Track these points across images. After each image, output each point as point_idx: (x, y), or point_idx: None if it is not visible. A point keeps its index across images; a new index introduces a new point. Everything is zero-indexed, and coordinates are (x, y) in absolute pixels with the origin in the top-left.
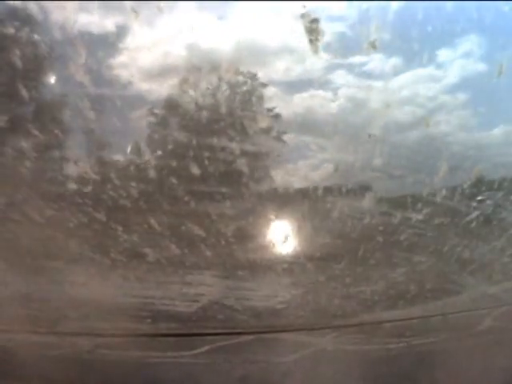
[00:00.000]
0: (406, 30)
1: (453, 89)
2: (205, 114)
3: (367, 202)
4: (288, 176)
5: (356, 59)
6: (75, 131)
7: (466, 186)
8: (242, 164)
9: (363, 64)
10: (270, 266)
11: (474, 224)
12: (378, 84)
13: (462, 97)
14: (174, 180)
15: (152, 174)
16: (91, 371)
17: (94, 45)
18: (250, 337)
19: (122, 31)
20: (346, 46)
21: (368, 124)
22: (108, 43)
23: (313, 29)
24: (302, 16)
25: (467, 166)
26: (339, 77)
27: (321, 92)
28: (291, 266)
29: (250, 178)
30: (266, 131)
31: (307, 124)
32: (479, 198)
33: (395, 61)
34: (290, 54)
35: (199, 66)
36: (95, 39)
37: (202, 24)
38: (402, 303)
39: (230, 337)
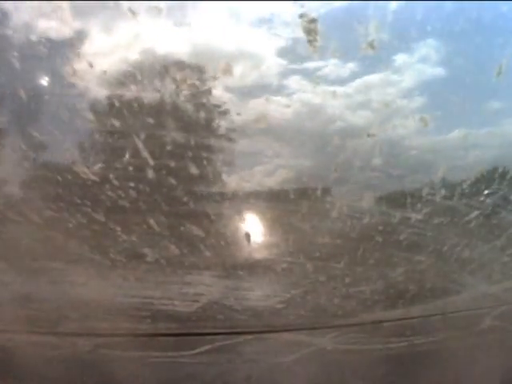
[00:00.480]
0: (363, 35)
1: (409, 93)
2: (159, 119)
3: (323, 206)
4: (243, 182)
5: (312, 64)
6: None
7: (424, 190)
8: (193, 169)
9: (319, 69)
10: (269, 266)
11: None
12: (334, 89)
13: (418, 101)
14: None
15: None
16: (91, 371)
17: (52, 50)
18: (250, 337)
19: (79, 37)
20: (302, 51)
21: (323, 129)
22: (65, 48)
23: (311, 29)
24: (301, 16)
25: (425, 170)
26: (294, 82)
27: (276, 97)
28: (291, 265)
29: (203, 183)
30: (221, 136)
31: (262, 129)
32: (437, 200)
33: (351, 66)
34: (245, 59)
35: (156, 72)
36: (53, 44)
37: (159, 29)
38: (402, 303)
39: (230, 337)
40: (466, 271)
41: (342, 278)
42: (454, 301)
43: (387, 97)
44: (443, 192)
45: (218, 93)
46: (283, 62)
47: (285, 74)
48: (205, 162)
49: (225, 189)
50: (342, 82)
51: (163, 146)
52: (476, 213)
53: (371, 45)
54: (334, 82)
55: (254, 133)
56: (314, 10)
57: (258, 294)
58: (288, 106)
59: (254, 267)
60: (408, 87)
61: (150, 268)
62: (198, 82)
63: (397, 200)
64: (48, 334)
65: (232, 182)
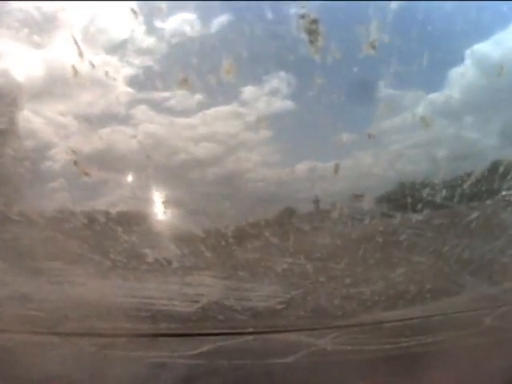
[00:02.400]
0: (214, 67)
1: (256, 126)
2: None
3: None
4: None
5: (160, 94)
6: None
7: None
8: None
9: (167, 99)
10: (269, 266)
11: None
12: (180, 120)
13: (264, 133)
14: None
15: None
16: (91, 371)
17: None
18: (250, 337)
19: None
20: (152, 81)
21: (167, 161)
22: None
23: (312, 30)
24: (302, 16)
25: (270, 203)
26: (141, 112)
27: (122, 127)
28: (291, 266)
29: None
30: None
31: (107, 160)
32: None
33: (199, 97)
34: (95, 86)
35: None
36: None
37: (16, 52)
38: (402, 303)
39: (229, 337)
40: (467, 272)
41: (343, 279)
42: (454, 301)
43: (233, 129)
44: (290, 221)
45: (65, 121)
46: (131, 90)
47: (132, 103)
48: None
49: None
50: (188, 113)
51: None
52: None
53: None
54: (180, 113)
55: (100, 162)
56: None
57: (259, 294)
58: (134, 137)
59: (254, 268)
60: (255, 119)
61: (150, 268)
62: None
63: (244, 230)
64: (48, 334)
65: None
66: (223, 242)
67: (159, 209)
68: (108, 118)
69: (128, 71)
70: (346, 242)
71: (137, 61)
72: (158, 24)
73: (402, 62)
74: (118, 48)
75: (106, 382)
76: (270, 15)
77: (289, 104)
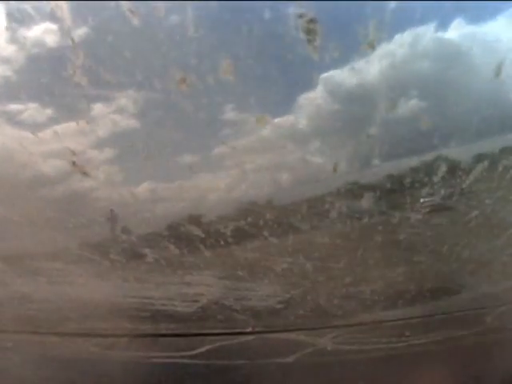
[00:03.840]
0: (67, 81)
1: (101, 144)
2: None
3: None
4: None
5: (14, 107)
6: None
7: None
8: None
9: (20, 112)
10: (269, 266)
11: None
12: (27, 134)
13: (110, 152)
14: None
15: None
16: (91, 371)
17: None
18: (250, 337)
19: None
20: (8, 92)
21: (14, 177)
22: None
23: (310, 29)
24: (300, 16)
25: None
26: None
27: None
28: (291, 265)
29: None
30: None
31: None
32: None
33: (49, 112)
34: None
35: None
36: None
37: None
38: (402, 303)
39: (229, 337)
40: (467, 271)
41: (342, 279)
42: (453, 301)
43: (79, 146)
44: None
45: None
46: None
47: None
48: None
49: None
50: (37, 127)
51: None
52: None
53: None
54: (30, 127)
55: None
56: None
57: (258, 294)
58: None
59: (253, 267)
60: (101, 137)
61: (150, 268)
62: None
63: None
64: (48, 334)
65: None
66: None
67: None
68: None
69: None
70: None
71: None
72: (22, 32)
73: (250, 85)
74: None
75: (106, 382)
76: None
77: (134, 123)
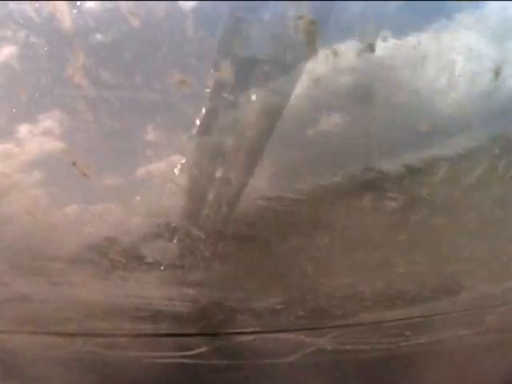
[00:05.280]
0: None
1: (28, 167)
2: None
3: None
4: None
5: None
6: None
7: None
8: None
9: None
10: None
11: None
12: None
13: (36, 175)
14: None
15: None
16: (91, 371)
17: None
18: (250, 337)
19: None
20: None
21: None
22: None
23: (310, 31)
24: (300, 17)
25: (36, 248)
26: None
27: None
28: (291, 265)
29: None
30: None
31: None
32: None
33: None
34: None
35: None
36: None
37: None
38: (402, 303)
39: (230, 337)
40: (467, 271)
41: (342, 279)
42: (453, 301)
43: (7, 169)
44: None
45: None
46: None
47: None
48: None
49: None
50: None
51: None
52: None
53: None
54: None
55: None
56: None
57: (258, 294)
58: None
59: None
60: (27, 160)
61: (150, 268)
62: None
63: None
64: (48, 333)
65: None
66: None
67: None
68: None
69: None
70: None
71: None
72: None
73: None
74: None
75: (106, 382)
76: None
77: (60, 144)
